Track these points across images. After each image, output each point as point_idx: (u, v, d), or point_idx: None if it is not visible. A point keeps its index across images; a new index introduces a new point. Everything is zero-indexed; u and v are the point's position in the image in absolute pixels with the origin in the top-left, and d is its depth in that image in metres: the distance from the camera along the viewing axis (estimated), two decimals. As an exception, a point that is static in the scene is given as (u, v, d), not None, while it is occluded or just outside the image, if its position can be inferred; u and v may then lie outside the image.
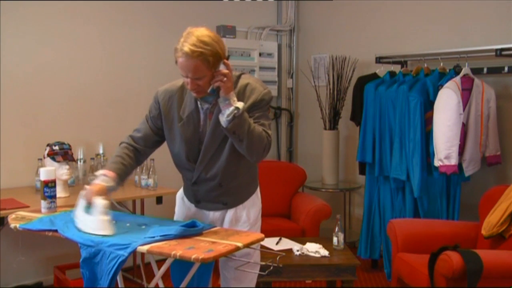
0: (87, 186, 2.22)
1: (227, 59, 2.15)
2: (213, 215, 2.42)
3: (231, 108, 2.09)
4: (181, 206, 2.53)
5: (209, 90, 2.18)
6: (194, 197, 2.43)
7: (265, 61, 5.23)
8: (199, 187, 2.38)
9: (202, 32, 2.10)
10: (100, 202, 2.13)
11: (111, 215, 2.25)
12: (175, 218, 2.56)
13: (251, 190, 2.47)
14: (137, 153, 2.39)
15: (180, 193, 2.57)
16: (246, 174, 2.41)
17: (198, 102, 2.26)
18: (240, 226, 2.39)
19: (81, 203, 2.21)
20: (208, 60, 2.07)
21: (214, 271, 2.63)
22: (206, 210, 2.43)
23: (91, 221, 2.14)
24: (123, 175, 2.29)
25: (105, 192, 2.18)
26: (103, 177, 2.22)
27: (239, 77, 2.29)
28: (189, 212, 2.48)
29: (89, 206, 2.17)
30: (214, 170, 2.31)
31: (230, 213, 2.40)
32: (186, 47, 2.05)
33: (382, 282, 4.08)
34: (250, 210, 2.43)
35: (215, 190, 2.37)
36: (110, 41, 4.25)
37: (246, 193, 2.43)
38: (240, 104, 2.11)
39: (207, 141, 2.27)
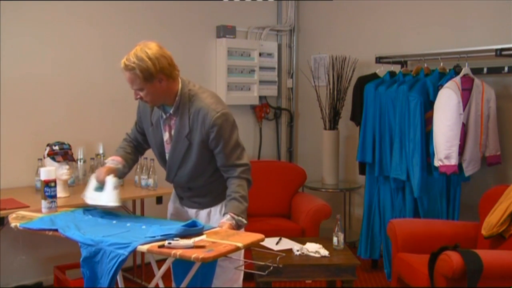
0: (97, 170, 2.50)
1: (166, 75, 2.26)
2: (190, 212, 2.57)
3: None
4: (173, 197, 2.69)
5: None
6: (177, 194, 2.62)
7: (265, 61, 5.23)
8: (175, 186, 2.60)
9: (144, 48, 2.25)
10: (111, 178, 2.40)
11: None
12: (168, 209, 2.73)
13: (225, 193, 2.49)
14: (135, 147, 2.64)
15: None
16: (216, 181, 2.48)
17: (160, 111, 2.42)
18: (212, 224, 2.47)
19: (92, 184, 2.47)
20: (137, 74, 2.22)
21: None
22: (186, 207, 2.59)
23: (104, 195, 2.38)
24: (128, 161, 2.56)
25: (115, 172, 2.45)
26: (111, 161, 2.49)
27: (192, 97, 2.34)
28: (177, 204, 2.64)
29: (100, 186, 2.43)
30: (181, 176, 2.46)
31: (204, 212, 2.53)
32: (123, 60, 2.26)
33: (382, 282, 4.08)
34: (223, 212, 2.46)
35: (186, 192, 2.54)
36: (110, 41, 4.25)
37: (220, 196, 2.48)
38: (240, 220, 2.30)
39: (170, 154, 2.44)
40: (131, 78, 2.25)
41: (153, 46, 2.26)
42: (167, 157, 2.46)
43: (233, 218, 2.28)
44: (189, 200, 2.55)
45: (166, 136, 2.43)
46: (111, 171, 2.43)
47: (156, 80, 2.24)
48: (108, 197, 2.38)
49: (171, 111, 2.36)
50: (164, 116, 2.40)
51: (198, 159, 2.36)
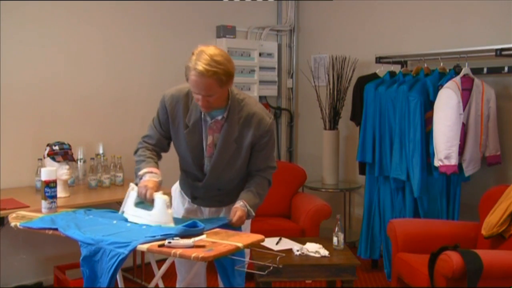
0: (133, 184, 2.32)
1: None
2: (209, 210, 2.55)
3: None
4: (181, 199, 2.62)
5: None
6: (191, 194, 2.55)
7: (265, 61, 5.23)
8: (200, 188, 2.48)
9: (214, 51, 2.16)
10: (162, 196, 2.22)
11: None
12: (174, 211, 2.59)
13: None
14: (158, 154, 2.50)
15: (176, 187, 2.66)
16: (243, 180, 2.51)
17: (202, 113, 2.34)
18: None
19: (131, 198, 2.29)
20: (221, 79, 2.15)
21: (211, 271, 2.64)
22: (202, 206, 2.55)
23: (157, 215, 2.22)
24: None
25: (159, 187, 2.29)
26: (150, 174, 2.31)
27: (242, 102, 2.35)
28: (189, 205, 2.58)
29: (141, 201, 2.27)
30: (220, 180, 2.44)
31: (224, 209, 2.52)
32: (200, 66, 2.11)
33: (382, 282, 4.08)
34: None
35: (213, 192, 2.49)
36: (111, 42, 4.25)
37: (240, 193, 2.48)
38: (250, 211, 2.34)
39: (216, 158, 2.38)
40: (209, 84, 2.14)
41: (217, 49, 2.20)
42: (207, 161, 2.40)
43: (245, 206, 2.31)
44: (212, 199, 2.51)
45: (209, 140, 2.37)
46: (156, 188, 2.26)
47: (228, 84, 2.23)
48: (162, 218, 2.22)
49: (224, 115, 2.32)
50: (210, 121, 2.34)
51: (244, 161, 2.41)
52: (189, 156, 2.41)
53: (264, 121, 2.36)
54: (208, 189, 2.47)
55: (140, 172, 2.33)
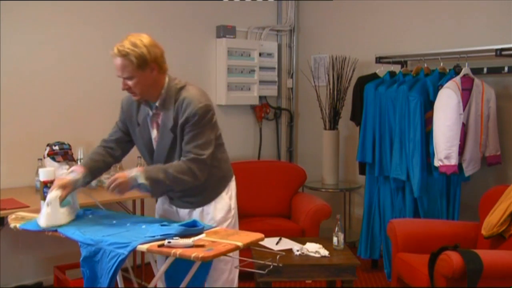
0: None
1: (158, 65, 2.29)
2: (183, 212, 2.53)
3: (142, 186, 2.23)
4: (162, 198, 2.62)
5: None
6: (167, 195, 2.55)
7: (265, 61, 5.22)
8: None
9: (137, 37, 2.28)
10: (53, 194, 2.23)
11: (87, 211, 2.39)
12: (156, 211, 2.66)
13: (218, 191, 2.52)
14: (109, 151, 2.52)
15: None
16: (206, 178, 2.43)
17: (146, 108, 2.40)
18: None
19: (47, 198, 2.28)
20: (132, 60, 2.23)
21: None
22: (176, 207, 2.55)
23: (47, 214, 2.22)
24: (93, 169, 2.44)
25: (69, 185, 2.29)
26: (71, 173, 2.36)
27: (180, 89, 2.36)
28: (167, 206, 2.59)
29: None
30: None
31: (196, 211, 2.49)
32: (115, 48, 2.25)
33: (382, 282, 4.08)
34: (217, 209, 2.49)
35: (175, 192, 2.48)
36: (111, 42, 4.20)
37: (211, 194, 2.49)
38: (138, 176, 2.22)
39: (156, 150, 2.41)
40: (123, 65, 2.25)
41: (146, 36, 2.31)
42: (154, 155, 2.43)
43: (133, 172, 2.23)
44: (180, 200, 2.51)
45: (154, 133, 2.41)
46: (64, 185, 2.28)
47: (148, 68, 2.27)
48: (53, 217, 2.23)
49: (157, 104, 2.35)
50: (151, 113, 2.39)
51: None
52: (145, 153, 2.47)
53: (192, 104, 2.28)
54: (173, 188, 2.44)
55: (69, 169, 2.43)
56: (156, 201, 2.68)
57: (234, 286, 2.56)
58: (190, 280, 2.27)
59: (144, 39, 2.28)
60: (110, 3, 4.21)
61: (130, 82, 2.29)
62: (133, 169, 2.27)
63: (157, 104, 2.36)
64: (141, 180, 2.22)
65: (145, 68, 2.27)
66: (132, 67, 2.24)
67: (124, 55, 2.23)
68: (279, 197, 4.44)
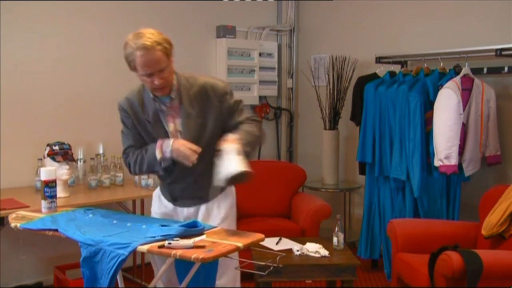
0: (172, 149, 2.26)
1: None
2: (187, 211, 2.49)
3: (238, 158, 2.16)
4: (158, 204, 2.58)
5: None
6: (171, 196, 2.51)
7: (265, 61, 5.23)
8: (175, 185, 2.46)
9: (146, 29, 2.22)
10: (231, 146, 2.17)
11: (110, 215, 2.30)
12: (152, 215, 2.60)
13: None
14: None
15: (157, 192, 2.62)
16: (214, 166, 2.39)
17: (156, 104, 2.34)
18: (211, 220, 2.44)
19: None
20: (166, 47, 2.19)
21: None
22: (182, 207, 2.50)
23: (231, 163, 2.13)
24: None
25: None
26: (168, 141, 2.29)
27: (189, 79, 2.35)
28: (165, 209, 2.54)
29: None
30: (189, 170, 2.34)
31: (203, 207, 2.47)
32: (145, 41, 2.14)
33: (382, 282, 4.08)
34: (221, 204, 2.48)
35: (190, 187, 2.44)
36: (111, 42, 4.25)
37: (219, 188, 2.45)
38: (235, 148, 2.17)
39: (185, 139, 2.33)
40: (158, 56, 2.17)
41: (147, 28, 2.26)
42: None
43: (236, 136, 2.22)
44: (191, 196, 2.45)
45: (171, 127, 2.36)
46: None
47: (172, 56, 2.25)
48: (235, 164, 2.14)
49: (172, 96, 2.31)
50: (164, 108, 2.34)
51: (212, 136, 2.33)
52: None
53: (217, 85, 2.34)
54: (184, 184, 2.42)
55: (161, 150, 2.29)
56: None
57: (237, 286, 2.55)
58: (201, 280, 2.26)
59: (148, 28, 2.24)
60: (110, 3, 4.21)
61: (165, 74, 2.21)
62: (226, 146, 2.18)
63: (172, 95, 2.31)
64: (248, 148, 2.23)
65: (171, 55, 2.25)
66: (165, 56, 2.19)
67: (156, 45, 2.15)
68: (279, 197, 4.44)
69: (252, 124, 2.37)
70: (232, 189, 2.57)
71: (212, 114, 2.34)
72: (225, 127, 2.35)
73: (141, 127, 2.41)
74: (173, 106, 2.33)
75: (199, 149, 2.25)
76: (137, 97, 2.40)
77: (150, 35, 2.18)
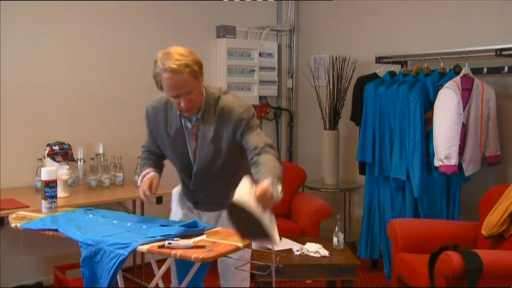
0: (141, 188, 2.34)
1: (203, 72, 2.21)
2: (208, 214, 2.49)
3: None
4: (180, 203, 2.58)
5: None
6: (192, 199, 2.51)
7: (265, 61, 5.22)
8: (197, 192, 2.47)
9: (176, 48, 2.15)
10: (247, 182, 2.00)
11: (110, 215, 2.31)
12: (172, 215, 2.61)
13: None
14: (156, 156, 2.52)
15: (177, 190, 2.63)
16: (239, 180, 2.41)
17: (182, 120, 2.31)
18: None
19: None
20: (194, 70, 2.11)
21: (214, 271, 2.63)
22: (203, 210, 2.50)
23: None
24: (158, 167, 2.50)
25: (156, 178, 2.38)
26: (147, 175, 2.38)
27: (217, 99, 2.29)
28: (187, 210, 2.54)
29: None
30: (208, 184, 2.39)
31: (224, 214, 2.41)
32: (171, 64, 2.07)
33: (382, 282, 4.08)
34: None
35: (210, 197, 2.45)
36: (111, 42, 4.25)
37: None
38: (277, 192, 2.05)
39: (198, 162, 2.33)
40: (185, 79, 2.10)
41: (178, 46, 2.18)
42: (194, 168, 2.35)
43: (271, 179, 2.01)
44: (212, 202, 2.45)
45: (193, 145, 2.32)
46: (150, 179, 2.35)
47: (202, 76, 2.18)
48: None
49: (198, 116, 2.25)
50: (190, 126, 2.29)
51: (227, 159, 2.29)
52: (177, 164, 2.42)
53: (234, 111, 2.23)
54: (204, 194, 2.44)
55: (139, 177, 2.43)
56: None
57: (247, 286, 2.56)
58: (191, 279, 2.27)
59: (182, 47, 2.15)
60: (111, 3, 4.21)
61: (192, 96, 2.14)
62: (265, 182, 2.00)
63: (198, 116, 2.25)
64: (280, 194, 2.06)
65: (200, 77, 2.16)
66: (194, 77, 2.12)
67: (184, 68, 2.07)
68: (279, 197, 4.44)
69: (273, 159, 2.16)
70: None
71: (227, 139, 2.27)
72: (247, 146, 2.26)
73: (158, 138, 2.40)
74: (198, 125, 2.29)
75: (153, 197, 2.32)
76: (163, 108, 2.35)
77: (178, 57, 2.09)
